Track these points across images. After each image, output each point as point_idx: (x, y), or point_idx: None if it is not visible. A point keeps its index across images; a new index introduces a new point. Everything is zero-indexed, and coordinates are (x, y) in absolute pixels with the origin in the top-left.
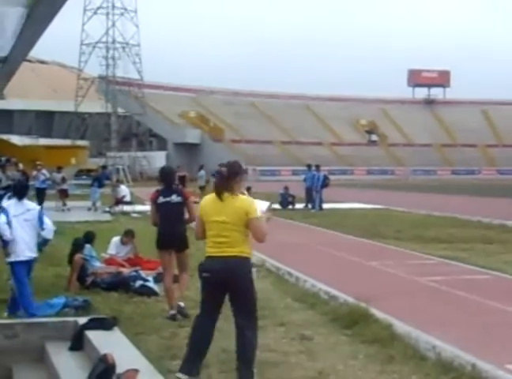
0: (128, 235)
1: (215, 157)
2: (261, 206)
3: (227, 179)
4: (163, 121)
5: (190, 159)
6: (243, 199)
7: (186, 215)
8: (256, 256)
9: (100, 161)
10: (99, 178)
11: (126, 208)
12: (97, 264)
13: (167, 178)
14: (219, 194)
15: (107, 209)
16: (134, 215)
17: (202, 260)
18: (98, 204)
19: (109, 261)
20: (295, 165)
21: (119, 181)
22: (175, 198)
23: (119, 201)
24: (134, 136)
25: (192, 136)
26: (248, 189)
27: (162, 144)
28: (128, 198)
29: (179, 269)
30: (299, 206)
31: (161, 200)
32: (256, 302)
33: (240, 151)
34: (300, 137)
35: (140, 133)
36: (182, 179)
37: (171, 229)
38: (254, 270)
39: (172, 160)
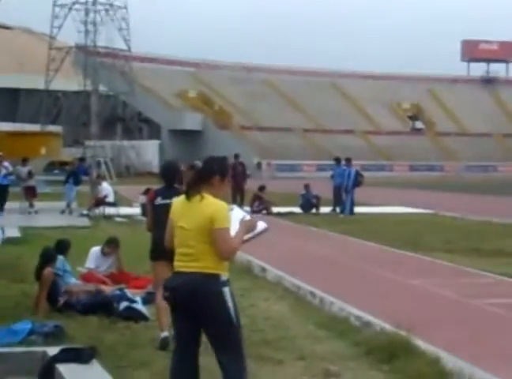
0: (111, 245)
1: (220, 148)
2: (238, 216)
3: (200, 178)
4: (156, 102)
5: (189, 151)
6: (212, 203)
7: None
8: (271, 272)
9: (77, 152)
10: (76, 173)
11: (109, 210)
12: (72, 280)
13: (167, 176)
14: (187, 193)
15: (85, 212)
16: (119, 219)
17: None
18: (73, 205)
19: (87, 277)
20: (320, 158)
21: (100, 178)
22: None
23: (100, 202)
24: (120, 122)
25: (192, 121)
26: (261, 188)
27: (154, 132)
28: (111, 198)
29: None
30: (324, 210)
31: (158, 201)
32: (237, 333)
33: (252, 141)
34: (327, 124)
35: (127, 118)
36: (177, 176)
37: None
38: (226, 290)
39: (167, 152)
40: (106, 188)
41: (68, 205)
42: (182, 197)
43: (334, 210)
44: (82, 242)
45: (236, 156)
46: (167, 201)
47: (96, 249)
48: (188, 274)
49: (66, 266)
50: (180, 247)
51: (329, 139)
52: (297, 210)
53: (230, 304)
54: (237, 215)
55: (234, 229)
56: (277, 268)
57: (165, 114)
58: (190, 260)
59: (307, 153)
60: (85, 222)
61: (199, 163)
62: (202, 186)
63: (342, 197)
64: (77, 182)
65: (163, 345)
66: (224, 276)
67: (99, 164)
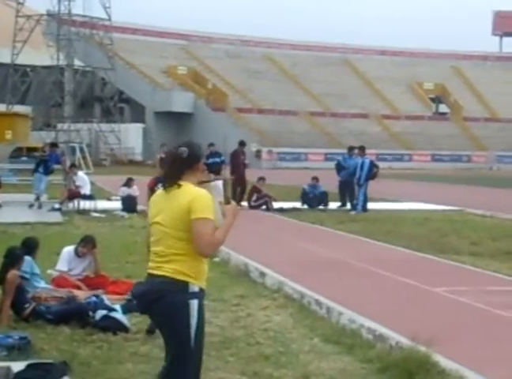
0: (87, 244)
1: (214, 133)
2: (218, 192)
3: (184, 164)
4: (141, 80)
5: (177, 136)
6: (191, 191)
7: None
8: (271, 277)
9: (48, 136)
10: (46, 161)
11: (85, 204)
12: (41, 284)
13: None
14: (165, 184)
15: (57, 206)
16: (96, 215)
17: None
18: (44, 198)
19: (58, 281)
20: (328, 146)
21: (75, 167)
22: None
23: (74, 195)
24: (98, 102)
25: (181, 102)
26: (260, 180)
27: (138, 114)
28: (87, 190)
29: None
30: (333, 206)
31: (159, 188)
32: (191, 361)
33: (250, 126)
34: (337, 107)
35: (106, 97)
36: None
37: None
38: (194, 303)
39: (152, 137)
40: (81, 178)
41: (37, 198)
42: (161, 191)
43: (343, 206)
44: (53, 240)
45: (242, 144)
46: None
47: (69, 249)
48: (156, 278)
49: (34, 268)
50: (155, 245)
51: (340, 124)
52: (300, 205)
53: (193, 321)
54: (218, 193)
55: (219, 219)
56: (278, 273)
57: (150, 94)
58: (162, 262)
59: (314, 140)
60: (57, 217)
61: (184, 150)
62: (183, 174)
63: (354, 191)
64: (48, 172)
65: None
66: (195, 286)
67: (73, 151)
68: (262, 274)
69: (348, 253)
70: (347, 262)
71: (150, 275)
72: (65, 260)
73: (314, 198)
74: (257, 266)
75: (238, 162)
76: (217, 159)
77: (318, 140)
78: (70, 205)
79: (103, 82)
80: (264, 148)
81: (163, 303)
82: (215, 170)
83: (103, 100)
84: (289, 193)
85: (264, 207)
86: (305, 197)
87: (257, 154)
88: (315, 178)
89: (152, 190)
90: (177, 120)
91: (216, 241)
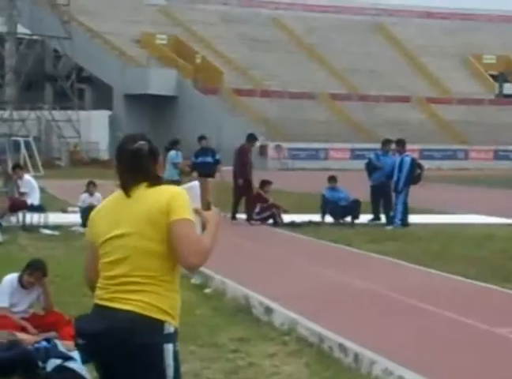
0: (34, 272)
1: (204, 122)
2: (193, 196)
3: (148, 159)
4: (106, 52)
5: (155, 127)
6: (165, 188)
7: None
8: (280, 314)
9: None
10: None
11: (32, 217)
12: None
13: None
14: (126, 186)
15: None
16: (47, 232)
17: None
18: None
19: None
20: (357, 140)
21: (19, 168)
22: None
23: (18, 205)
24: (49, 81)
25: (161, 82)
26: (264, 184)
27: (103, 98)
28: (36, 200)
29: None
30: (363, 219)
31: None
32: None
33: (252, 113)
34: (367, 87)
35: (60, 76)
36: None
37: None
38: (169, 348)
39: (122, 127)
40: (28, 183)
41: None
42: (108, 202)
43: (376, 219)
44: None
45: (251, 138)
46: None
47: (10, 279)
48: (117, 313)
49: None
50: (112, 269)
51: (371, 110)
52: (318, 218)
53: (169, 372)
54: (192, 195)
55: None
56: (289, 308)
57: (119, 71)
58: (125, 292)
59: (337, 132)
60: None
61: (143, 144)
62: (149, 171)
63: (391, 198)
64: None
65: None
66: (171, 326)
67: (17, 147)
68: (268, 310)
69: (382, 281)
70: (380, 294)
71: (106, 309)
72: (6, 292)
73: (337, 208)
74: (262, 299)
75: (245, 162)
76: (209, 159)
77: (341, 132)
78: (13, 219)
79: (57, 55)
80: (270, 143)
81: (130, 348)
82: (206, 172)
83: (57, 79)
84: (304, 201)
85: (271, 221)
86: (327, 207)
87: (262, 150)
88: (332, 178)
89: None
90: (155, 106)
91: (204, 248)
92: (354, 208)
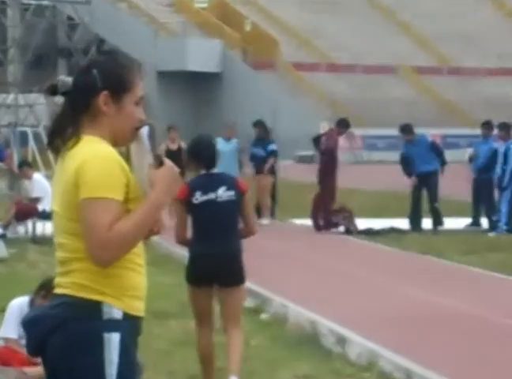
0: (49, 294)
1: (256, 104)
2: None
3: (73, 102)
4: (134, 19)
5: (196, 110)
6: (81, 151)
7: (241, 224)
8: (356, 344)
9: None
10: None
11: (45, 227)
12: None
13: (207, 158)
14: (52, 144)
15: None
16: None
17: None
18: None
19: (3, 355)
20: (450, 124)
21: (28, 166)
22: (223, 193)
23: (28, 212)
24: (63, 57)
25: (202, 55)
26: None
27: None
28: (48, 205)
29: (227, 322)
30: (458, 223)
31: (198, 198)
32: None
33: (317, 92)
34: (462, 58)
35: (76, 49)
36: (175, 156)
37: (217, 247)
38: (114, 337)
39: (154, 112)
40: (38, 185)
41: None
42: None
43: (476, 224)
44: None
45: (343, 124)
46: (212, 197)
47: (19, 304)
48: (56, 298)
49: None
50: (56, 249)
51: (468, 87)
52: (404, 224)
53: (110, 369)
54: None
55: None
56: (368, 337)
57: (150, 43)
58: (62, 273)
59: (424, 115)
60: None
61: (62, 78)
62: (80, 121)
63: (493, 197)
64: None
65: None
66: (115, 309)
67: (24, 139)
68: (341, 339)
69: (484, 303)
70: (483, 318)
71: (53, 296)
72: (14, 321)
73: (416, 209)
74: (333, 326)
75: (333, 158)
76: (260, 150)
77: (429, 115)
78: (21, 229)
79: (71, 24)
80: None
81: (60, 338)
82: (256, 168)
83: (72, 54)
84: (383, 203)
85: (341, 228)
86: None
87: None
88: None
89: (184, 201)
90: (195, 85)
91: (114, 237)
92: (433, 208)
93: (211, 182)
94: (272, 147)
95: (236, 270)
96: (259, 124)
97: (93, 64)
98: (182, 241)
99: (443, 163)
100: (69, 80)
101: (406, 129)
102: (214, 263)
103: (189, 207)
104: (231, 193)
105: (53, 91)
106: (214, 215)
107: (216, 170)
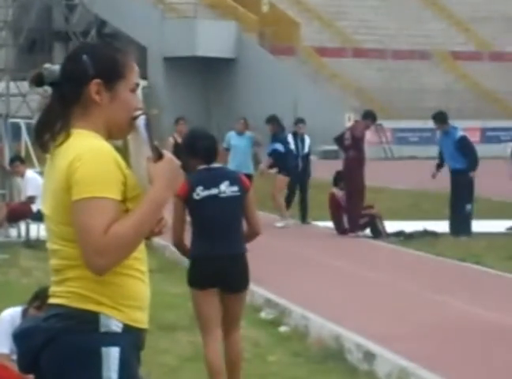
0: (45, 305)
1: (275, 94)
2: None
3: (62, 91)
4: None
5: (206, 103)
6: (74, 145)
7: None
8: (384, 360)
9: None
10: None
11: (39, 230)
12: None
13: (207, 152)
14: (40, 141)
15: None
16: None
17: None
18: None
19: None
20: (490, 115)
21: (21, 161)
22: (226, 189)
23: (21, 213)
24: (60, 41)
25: (214, 39)
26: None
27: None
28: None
29: (227, 326)
30: (498, 226)
31: (199, 193)
32: None
33: (343, 81)
34: (501, 42)
35: (75, 32)
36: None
37: (220, 249)
38: (112, 352)
39: (161, 102)
40: (32, 182)
41: None
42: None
43: None
44: None
45: (369, 116)
46: (214, 192)
47: (11, 316)
48: (51, 309)
49: None
50: (50, 257)
51: (507, 73)
52: (439, 227)
53: None
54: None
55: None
56: (398, 353)
57: (157, 25)
58: (57, 282)
59: (460, 104)
60: None
61: (48, 66)
62: (71, 114)
63: None
64: None
65: None
66: (114, 321)
67: (16, 132)
68: (368, 355)
69: None
70: None
71: (48, 306)
72: (5, 333)
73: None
74: (359, 340)
75: (360, 151)
76: (278, 147)
77: (467, 105)
78: (13, 232)
79: (69, 4)
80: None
81: (53, 352)
82: (276, 164)
83: (70, 38)
84: (416, 203)
85: (366, 230)
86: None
87: None
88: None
89: (184, 198)
90: (206, 72)
91: (110, 241)
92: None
93: (212, 177)
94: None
95: (241, 274)
96: (273, 120)
97: (82, 49)
98: (179, 243)
99: (471, 165)
100: (57, 68)
101: (437, 118)
102: (217, 266)
103: (189, 204)
104: (235, 188)
105: (39, 81)
106: (217, 212)
107: (216, 165)
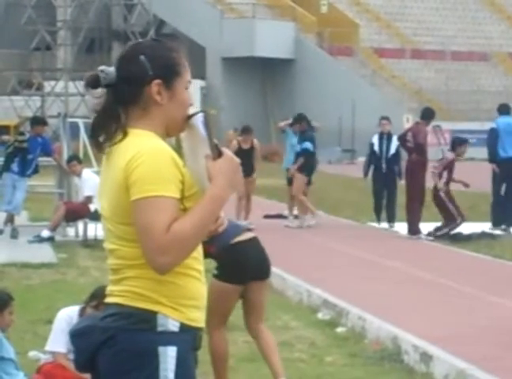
0: (102, 304)
1: (333, 95)
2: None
3: (120, 92)
4: (197, 1)
5: (264, 103)
6: (132, 144)
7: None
8: (443, 362)
9: (27, 106)
10: (25, 153)
11: (97, 229)
12: (18, 378)
13: None
14: (96, 140)
15: (46, 234)
16: None
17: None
18: (21, 218)
19: (50, 371)
20: None
21: (78, 161)
22: None
23: (78, 213)
24: (119, 41)
25: (272, 40)
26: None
27: (192, 62)
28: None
29: (255, 319)
30: None
31: None
32: None
33: (402, 82)
34: None
35: (134, 32)
36: (247, 155)
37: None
38: (170, 351)
39: (220, 103)
40: (90, 182)
41: (9, 219)
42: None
43: None
44: (40, 297)
45: (428, 114)
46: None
47: (68, 315)
48: (108, 308)
49: (4, 349)
50: (108, 256)
51: None
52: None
53: None
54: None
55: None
56: (456, 354)
57: (215, 25)
58: (114, 281)
59: None
60: (47, 254)
61: (103, 68)
62: (127, 115)
63: None
64: (28, 171)
65: None
66: (171, 320)
67: (74, 131)
68: (426, 356)
69: None
70: None
71: (105, 305)
72: (63, 333)
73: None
74: (416, 342)
75: (423, 156)
76: (309, 146)
77: None
78: (71, 232)
79: (128, 4)
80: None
81: (111, 352)
82: (307, 166)
83: (128, 37)
84: (474, 205)
85: (445, 229)
86: None
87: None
88: None
89: None
90: (264, 72)
91: (172, 240)
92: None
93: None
94: (305, 145)
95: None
96: (302, 118)
97: (138, 50)
98: None
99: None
100: (112, 70)
101: (500, 110)
102: (262, 254)
103: None
104: None
105: (95, 83)
106: None
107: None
